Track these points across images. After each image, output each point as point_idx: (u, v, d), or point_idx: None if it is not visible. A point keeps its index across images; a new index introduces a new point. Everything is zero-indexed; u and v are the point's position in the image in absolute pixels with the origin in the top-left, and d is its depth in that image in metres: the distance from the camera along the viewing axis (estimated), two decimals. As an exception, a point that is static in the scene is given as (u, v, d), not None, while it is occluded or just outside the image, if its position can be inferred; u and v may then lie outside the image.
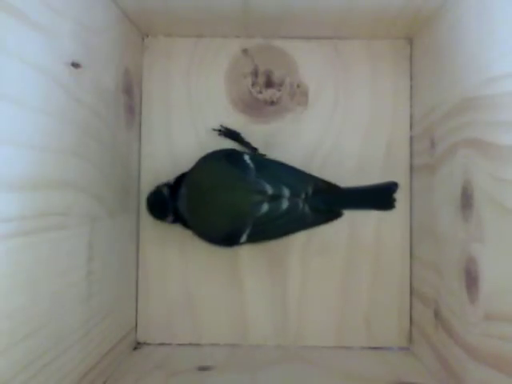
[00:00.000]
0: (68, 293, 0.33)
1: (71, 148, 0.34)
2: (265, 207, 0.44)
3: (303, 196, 0.44)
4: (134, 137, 0.48)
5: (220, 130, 0.49)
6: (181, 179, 0.46)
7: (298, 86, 0.50)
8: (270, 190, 0.44)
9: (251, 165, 0.45)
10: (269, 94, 0.50)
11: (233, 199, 0.44)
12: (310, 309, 0.49)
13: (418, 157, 0.48)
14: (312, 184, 0.45)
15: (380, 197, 0.45)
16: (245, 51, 0.50)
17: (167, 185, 0.46)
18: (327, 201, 0.45)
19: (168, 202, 0.46)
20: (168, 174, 0.48)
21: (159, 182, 0.47)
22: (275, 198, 0.44)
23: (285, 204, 0.44)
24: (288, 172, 0.46)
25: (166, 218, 0.46)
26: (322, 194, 0.45)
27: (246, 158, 0.45)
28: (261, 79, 0.50)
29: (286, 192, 0.44)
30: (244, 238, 0.44)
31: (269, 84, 0.50)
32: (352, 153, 0.50)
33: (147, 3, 0.42)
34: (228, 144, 0.49)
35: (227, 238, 0.45)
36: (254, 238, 0.45)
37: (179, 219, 0.46)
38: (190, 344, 0.49)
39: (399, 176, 0.49)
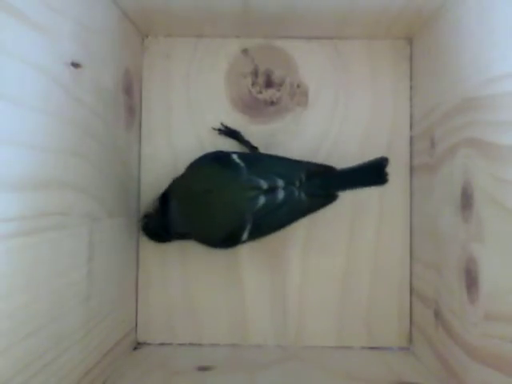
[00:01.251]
0: (68, 293, 0.33)
1: (71, 148, 0.34)
2: (261, 200, 0.43)
3: (297, 183, 0.44)
4: (134, 137, 0.48)
5: (220, 129, 0.49)
6: (163, 200, 0.45)
7: (298, 86, 0.50)
8: (264, 184, 0.43)
9: (241, 163, 0.44)
10: (269, 94, 0.50)
11: (228, 199, 0.44)
12: (310, 309, 0.49)
13: (418, 157, 0.48)
14: (304, 170, 0.45)
15: (373, 173, 0.46)
16: (245, 51, 0.50)
17: (149, 216, 0.47)
18: (322, 184, 0.45)
19: (161, 231, 0.46)
20: (168, 175, 0.48)
21: (159, 189, 0.47)
22: (271, 190, 0.44)
23: (281, 194, 0.44)
24: (279, 162, 0.45)
25: (169, 241, 0.47)
26: (316, 178, 0.45)
27: (235, 157, 0.45)
28: (261, 79, 0.50)
29: (281, 182, 0.44)
30: (245, 235, 0.44)
31: (269, 84, 0.50)
32: (352, 153, 0.49)
33: (147, 3, 0.42)
34: (228, 143, 0.49)
35: (229, 239, 0.45)
36: (255, 235, 0.45)
37: (180, 236, 0.46)
38: (190, 344, 0.49)
39: (399, 176, 0.49)
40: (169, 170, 0.49)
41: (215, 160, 0.45)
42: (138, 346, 0.49)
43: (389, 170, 0.49)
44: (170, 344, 0.49)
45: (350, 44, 0.50)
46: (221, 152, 0.46)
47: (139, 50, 0.49)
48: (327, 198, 0.45)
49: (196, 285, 0.49)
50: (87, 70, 0.36)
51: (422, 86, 0.47)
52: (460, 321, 0.36)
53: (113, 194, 0.42)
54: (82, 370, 0.36)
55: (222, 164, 0.45)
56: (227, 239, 0.45)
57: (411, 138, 0.49)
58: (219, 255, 0.49)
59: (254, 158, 0.46)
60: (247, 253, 0.49)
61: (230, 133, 0.49)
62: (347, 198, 0.49)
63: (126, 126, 0.45)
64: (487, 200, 0.32)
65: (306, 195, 0.44)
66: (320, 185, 0.45)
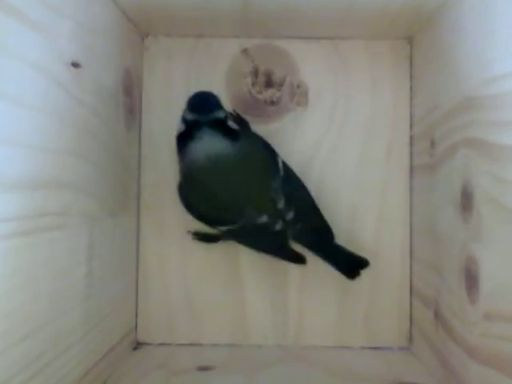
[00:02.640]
0: (67, 293, 0.33)
1: (70, 148, 0.34)
2: (263, 219, 0.43)
3: (298, 226, 0.43)
4: (134, 137, 0.48)
5: (231, 114, 0.48)
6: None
7: (298, 86, 0.50)
8: (281, 204, 0.43)
9: (281, 170, 0.44)
10: (269, 94, 0.50)
11: (250, 188, 0.43)
12: (310, 309, 0.49)
13: (418, 157, 0.48)
14: (312, 216, 0.45)
15: (352, 265, 0.46)
16: (245, 51, 0.50)
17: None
18: (312, 242, 0.45)
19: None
20: (168, 175, 0.48)
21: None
22: (276, 217, 0.43)
23: (278, 226, 0.43)
24: (301, 194, 0.45)
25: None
26: (312, 231, 0.44)
27: (279, 159, 0.45)
28: (261, 79, 0.50)
29: (290, 215, 0.43)
30: (223, 228, 0.44)
31: (269, 84, 0.50)
32: (352, 153, 0.50)
33: (147, 3, 0.42)
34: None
35: (212, 219, 0.44)
36: (228, 237, 0.45)
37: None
38: (191, 344, 0.49)
39: (399, 176, 0.49)
40: (169, 170, 0.49)
41: (267, 146, 0.45)
42: (137, 346, 0.49)
43: (389, 169, 0.49)
44: (170, 344, 0.49)
45: (350, 44, 0.50)
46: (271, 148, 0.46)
47: (139, 50, 0.49)
48: (301, 258, 0.45)
49: (196, 285, 0.49)
50: (87, 69, 0.36)
51: (422, 86, 0.47)
52: (460, 321, 0.36)
53: (113, 193, 0.42)
54: (82, 370, 0.36)
55: (270, 155, 0.44)
56: (212, 219, 0.44)
57: (411, 138, 0.49)
58: (220, 255, 0.49)
59: (291, 173, 0.45)
60: (247, 253, 0.49)
61: (240, 121, 0.48)
62: (347, 198, 0.49)
63: (125, 126, 0.45)
64: (487, 200, 0.32)
65: (292, 240, 0.44)
66: (310, 241, 0.44)
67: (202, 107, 0.42)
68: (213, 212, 0.43)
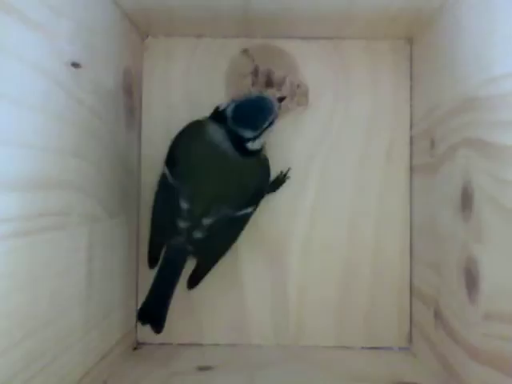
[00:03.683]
0: (68, 293, 0.33)
1: (71, 148, 0.34)
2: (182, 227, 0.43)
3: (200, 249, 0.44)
4: (134, 137, 0.48)
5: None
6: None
7: (298, 86, 0.50)
8: (197, 234, 0.43)
9: (236, 211, 0.44)
10: (269, 94, 0.50)
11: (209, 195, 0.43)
12: (310, 309, 0.49)
13: (418, 157, 0.48)
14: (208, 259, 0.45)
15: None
16: (245, 51, 0.50)
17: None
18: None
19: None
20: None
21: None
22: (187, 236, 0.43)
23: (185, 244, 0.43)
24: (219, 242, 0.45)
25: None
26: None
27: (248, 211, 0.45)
28: (261, 79, 0.50)
29: (198, 236, 0.43)
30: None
31: (269, 84, 0.50)
32: (352, 153, 0.50)
33: (147, 3, 0.42)
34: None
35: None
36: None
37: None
38: (190, 344, 0.49)
39: (399, 176, 0.49)
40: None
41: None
42: (138, 346, 0.49)
43: (389, 169, 0.49)
44: (170, 344, 0.49)
45: (350, 44, 0.50)
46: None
47: (139, 50, 0.49)
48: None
49: (196, 285, 0.49)
50: (87, 70, 0.36)
51: (422, 86, 0.47)
52: (460, 321, 0.36)
53: (113, 193, 0.42)
54: (82, 370, 0.36)
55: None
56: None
57: (411, 138, 0.49)
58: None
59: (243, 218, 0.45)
60: (247, 252, 0.49)
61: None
62: (347, 198, 0.49)
63: (126, 126, 0.45)
64: (487, 200, 0.32)
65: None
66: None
67: (253, 119, 0.43)
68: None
